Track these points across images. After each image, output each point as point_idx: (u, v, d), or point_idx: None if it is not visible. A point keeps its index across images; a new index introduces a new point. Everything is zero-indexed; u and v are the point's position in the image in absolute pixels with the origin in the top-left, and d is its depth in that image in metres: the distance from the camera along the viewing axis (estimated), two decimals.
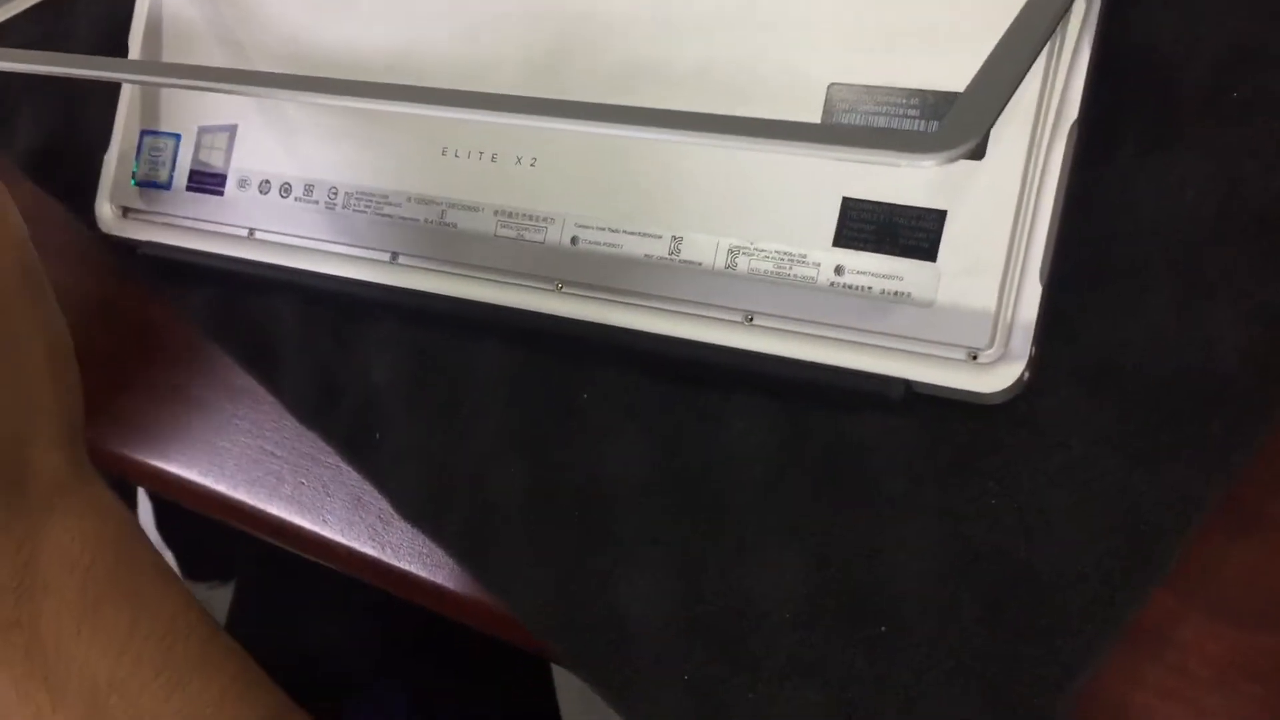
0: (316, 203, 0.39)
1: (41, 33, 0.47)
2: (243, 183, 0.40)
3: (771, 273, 0.32)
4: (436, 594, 0.39)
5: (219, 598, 0.69)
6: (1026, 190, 0.29)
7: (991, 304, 0.30)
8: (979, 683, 0.30)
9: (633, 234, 0.34)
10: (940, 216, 0.30)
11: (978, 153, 0.30)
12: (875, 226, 0.31)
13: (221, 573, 0.90)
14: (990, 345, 0.30)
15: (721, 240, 0.33)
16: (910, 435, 0.31)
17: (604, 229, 0.34)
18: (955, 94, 0.30)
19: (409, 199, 0.37)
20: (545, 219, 0.35)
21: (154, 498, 0.80)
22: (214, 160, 0.41)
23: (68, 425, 0.34)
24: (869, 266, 0.31)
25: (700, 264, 0.33)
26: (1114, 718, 0.30)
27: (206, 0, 0.41)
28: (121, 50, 0.43)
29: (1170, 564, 0.29)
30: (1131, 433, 0.29)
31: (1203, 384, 0.29)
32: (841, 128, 0.30)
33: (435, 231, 0.37)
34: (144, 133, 0.42)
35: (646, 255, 0.34)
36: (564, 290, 0.35)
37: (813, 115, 0.32)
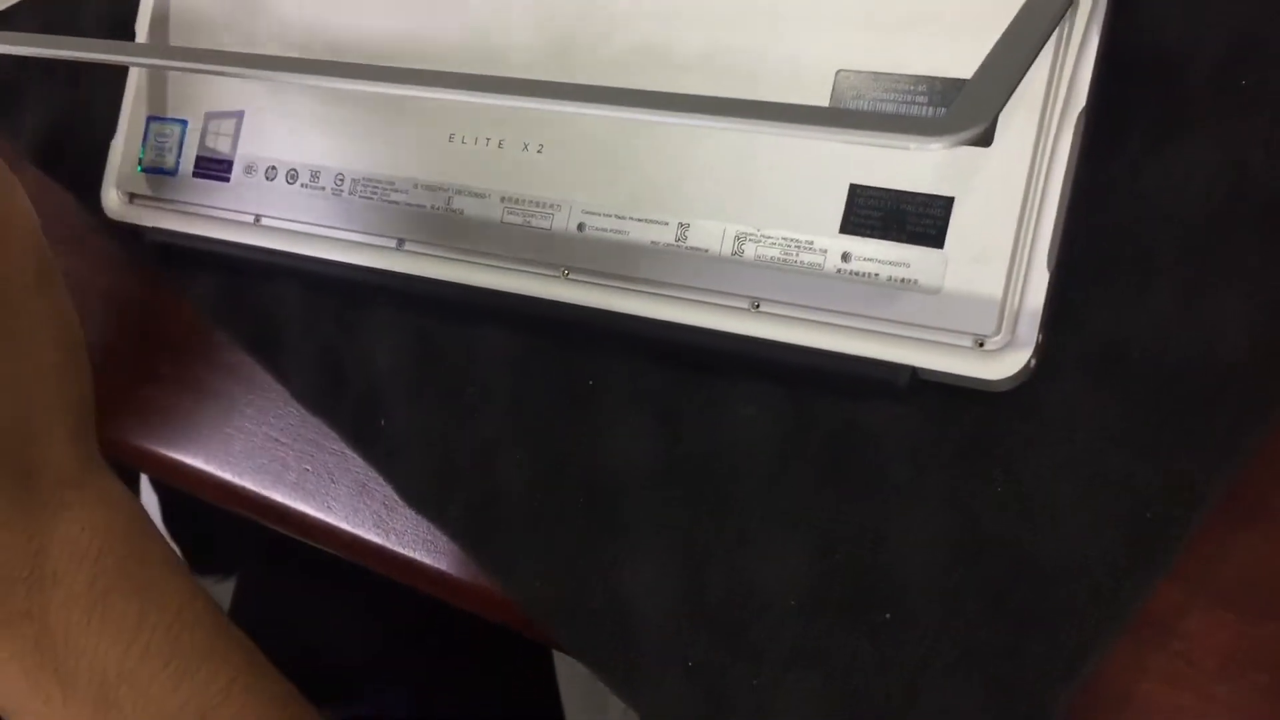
0: (323, 189, 0.39)
1: (44, 23, 0.47)
2: (249, 169, 0.40)
3: (778, 259, 0.32)
4: (440, 581, 0.39)
5: (220, 593, 0.69)
6: (1034, 178, 0.29)
7: (998, 291, 0.30)
8: (983, 672, 0.30)
9: (639, 221, 0.34)
10: (948, 203, 0.30)
11: (985, 139, 0.30)
12: (882, 213, 0.31)
13: (224, 567, 0.90)
14: (997, 332, 0.30)
15: (728, 227, 0.33)
16: (916, 423, 0.31)
17: (610, 215, 0.34)
18: (963, 81, 0.30)
19: (415, 185, 0.37)
20: (552, 205, 0.35)
21: (160, 491, 0.80)
22: (220, 146, 0.41)
23: (79, 418, 0.34)
24: (876, 253, 0.31)
25: (706, 251, 0.33)
26: (1119, 708, 0.30)
27: None
28: (128, 39, 0.43)
29: (1175, 554, 0.29)
30: (1137, 422, 0.29)
31: (1209, 374, 0.29)
32: (850, 111, 0.30)
33: (441, 218, 0.37)
34: (150, 119, 0.42)
35: (653, 242, 0.34)
36: (570, 277, 0.35)
37: (820, 102, 0.32)
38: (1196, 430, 0.29)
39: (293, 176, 0.39)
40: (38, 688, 0.32)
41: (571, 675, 0.64)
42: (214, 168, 0.41)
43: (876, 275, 0.31)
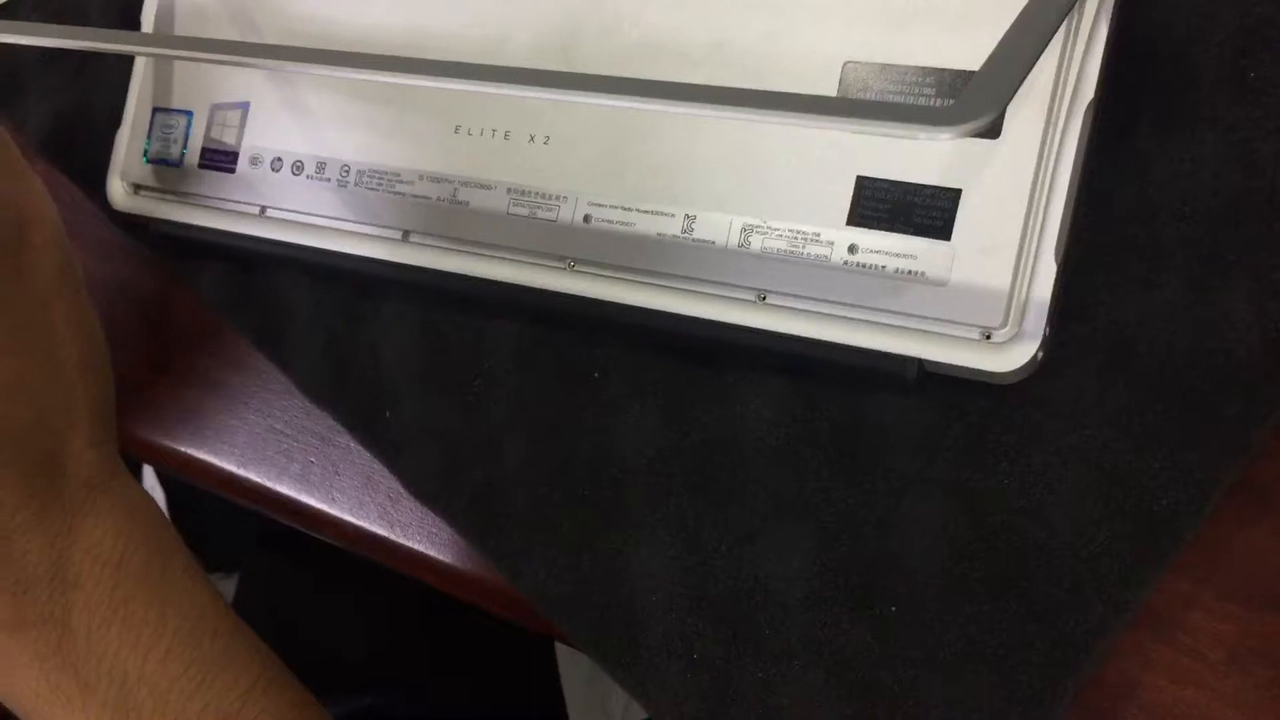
0: (328, 180, 0.39)
1: (50, 13, 0.47)
2: (255, 160, 0.40)
3: (785, 251, 0.32)
4: (445, 573, 0.39)
5: (222, 589, 0.69)
6: (1042, 169, 0.29)
7: (1006, 283, 0.29)
8: (989, 664, 0.30)
9: (646, 212, 0.34)
10: (955, 195, 0.30)
11: (994, 131, 0.30)
12: (890, 205, 0.31)
13: (227, 564, 0.90)
14: (1004, 325, 0.30)
15: (735, 219, 0.33)
16: (923, 415, 0.31)
17: (617, 207, 0.34)
18: (970, 73, 0.30)
19: (421, 177, 0.37)
20: (558, 197, 0.35)
21: (166, 486, 0.80)
22: (226, 138, 0.41)
23: (101, 421, 0.34)
24: (883, 245, 0.31)
25: (713, 242, 0.33)
26: (1124, 700, 0.30)
27: None
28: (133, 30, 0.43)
29: (1182, 546, 0.29)
30: (1145, 414, 0.29)
31: (1217, 365, 0.29)
32: (859, 101, 0.30)
33: (447, 209, 0.37)
34: (156, 110, 0.42)
35: (659, 234, 0.34)
36: (576, 269, 0.35)
37: (827, 94, 0.32)
38: (1204, 422, 0.29)
39: (298, 168, 0.39)
40: (58, 691, 0.32)
41: (573, 669, 0.64)
42: (219, 159, 0.41)
43: (883, 267, 0.31)
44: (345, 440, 0.40)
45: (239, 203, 0.40)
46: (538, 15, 0.35)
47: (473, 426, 0.37)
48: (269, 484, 0.42)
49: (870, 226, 0.31)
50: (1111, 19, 0.29)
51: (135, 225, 0.43)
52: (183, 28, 0.42)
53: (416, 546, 0.39)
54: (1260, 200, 0.29)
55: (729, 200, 0.33)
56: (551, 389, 0.36)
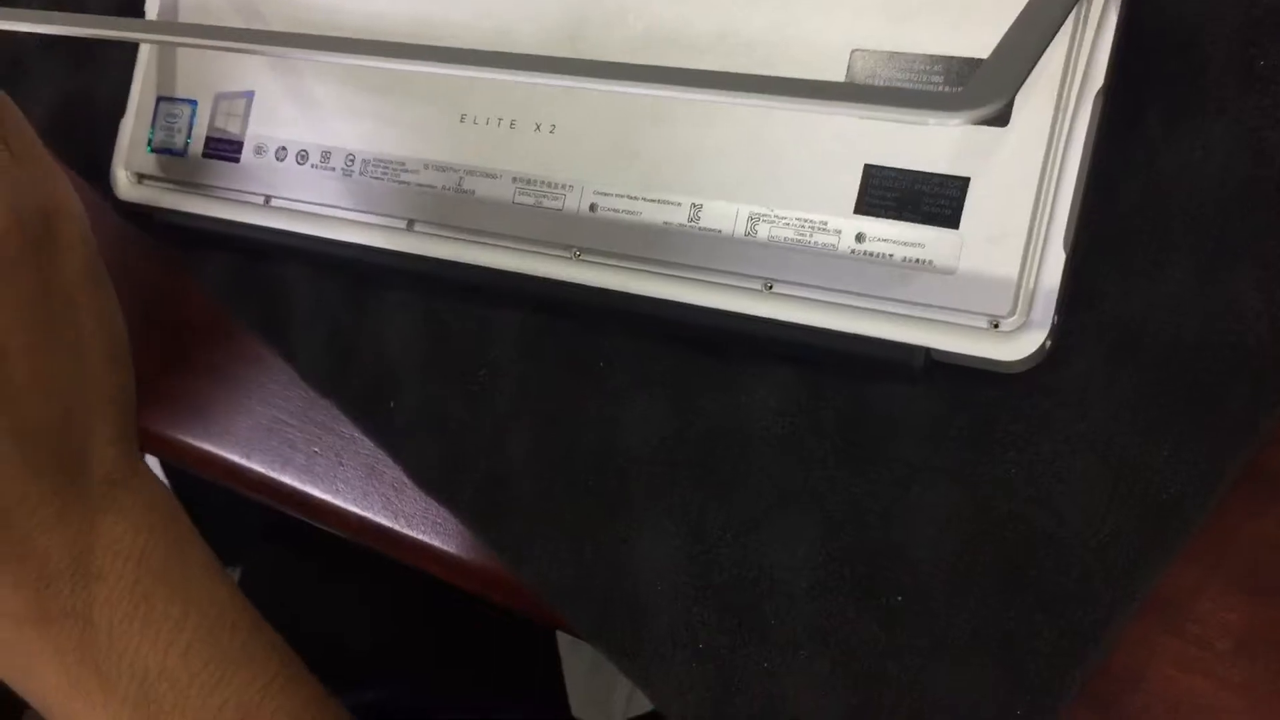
0: (333, 169, 0.38)
1: (54, 1, 0.47)
2: (259, 149, 0.40)
3: (792, 240, 0.32)
4: (449, 563, 0.39)
5: None
6: (1051, 158, 0.29)
7: (1014, 272, 0.29)
8: (995, 653, 0.30)
9: (652, 201, 0.34)
10: (963, 184, 0.30)
11: (1002, 119, 0.29)
12: (897, 193, 0.31)
13: (230, 557, 0.90)
14: (1012, 313, 0.29)
15: (742, 207, 0.33)
16: (930, 404, 0.31)
17: (623, 196, 0.34)
18: (979, 61, 0.30)
19: (426, 166, 0.37)
20: (564, 186, 0.35)
21: (170, 477, 0.80)
22: (230, 127, 0.40)
23: (123, 417, 0.35)
24: (890, 234, 0.31)
25: (720, 231, 0.33)
26: (1132, 690, 0.30)
27: None
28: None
29: (1190, 534, 0.29)
30: (1153, 403, 0.29)
31: (1226, 354, 0.29)
32: (868, 87, 0.30)
33: (452, 198, 0.37)
34: (160, 99, 0.42)
35: (666, 222, 0.33)
36: (582, 258, 0.35)
37: None
38: (1212, 411, 0.29)
39: (303, 157, 0.39)
40: (78, 686, 0.32)
41: (575, 659, 0.64)
42: (224, 148, 0.40)
43: (891, 256, 0.31)
44: (349, 430, 0.40)
45: (243, 192, 0.40)
46: (543, 7, 0.35)
47: (477, 416, 0.37)
48: (273, 474, 0.42)
49: (878, 215, 0.31)
50: (1121, 7, 0.29)
51: (139, 215, 0.43)
52: (187, 15, 0.42)
53: (420, 537, 0.39)
54: (1269, 189, 0.29)
55: (736, 189, 0.33)
56: (556, 378, 0.36)
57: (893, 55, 0.31)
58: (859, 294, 0.31)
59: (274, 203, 0.40)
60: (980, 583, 0.30)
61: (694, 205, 0.33)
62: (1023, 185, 0.29)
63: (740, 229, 0.33)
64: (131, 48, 0.43)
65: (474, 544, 0.38)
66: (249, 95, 0.40)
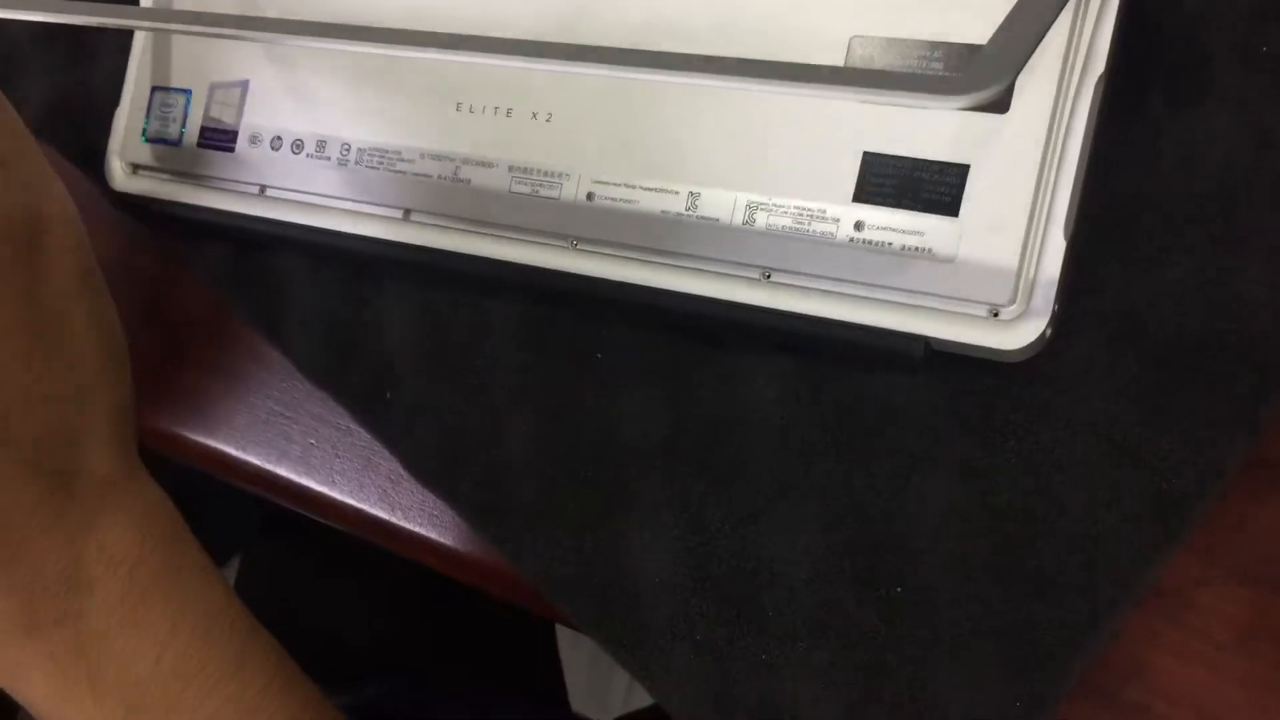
0: (329, 159, 0.38)
1: None
2: (254, 139, 0.40)
3: (790, 229, 0.32)
4: (446, 555, 0.39)
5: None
6: (1051, 145, 0.29)
7: (1014, 260, 0.29)
8: (995, 644, 0.30)
9: (649, 190, 0.33)
10: (963, 171, 0.30)
11: (1002, 105, 0.29)
12: (896, 181, 0.30)
13: (226, 552, 0.90)
14: (1012, 302, 0.29)
15: (739, 196, 0.32)
16: (930, 393, 0.31)
17: (620, 185, 0.34)
18: (979, 47, 0.30)
19: (422, 155, 0.37)
20: (560, 175, 0.35)
21: (167, 472, 0.80)
22: (225, 116, 0.40)
23: (120, 422, 0.34)
24: (889, 222, 0.30)
25: (718, 220, 0.33)
26: (1132, 681, 0.29)
27: None
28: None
29: (1192, 526, 0.29)
30: (1155, 392, 0.29)
31: (1228, 343, 0.28)
32: (868, 71, 0.29)
33: (449, 188, 0.36)
34: (154, 89, 0.42)
35: (663, 211, 0.33)
36: (579, 247, 0.34)
37: None
38: (1214, 401, 0.28)
39: (298, 146, 0.39)
40: (70, 693, 0.32)
41: (574, 652, 0.64)
42: (219, 138, 0.40)
43: (890, 244, 0.31)
44: (346, 422, 0.40)
45: (239, 182, 0.40)
46: None
47: (474, 407, 0.36)
48: (269, 467, 0.41)
49: (877, 203, 0.31)
50: None
51: (134, 205, 0.42)
52: (182, 3, 0.42)
53: (418, 529, 0.39)
54: (1273, 177, 0.29)
55: (733, 177, 0.32)
56: (554, 369, 0.36)
57: (892, 41, 0.31)
58: (858, 283, 0.31)
59: (269, 192, 0.39)
60: (980, 574, 0.30)
61: (691, 194, 0.33)
62: (1023, 172, 0.29)
63: (738, 217, 0.32)
64: (126, 37, 0.43)
65: (472, 537, 0.38)
66: (244, 84, 0.40)
